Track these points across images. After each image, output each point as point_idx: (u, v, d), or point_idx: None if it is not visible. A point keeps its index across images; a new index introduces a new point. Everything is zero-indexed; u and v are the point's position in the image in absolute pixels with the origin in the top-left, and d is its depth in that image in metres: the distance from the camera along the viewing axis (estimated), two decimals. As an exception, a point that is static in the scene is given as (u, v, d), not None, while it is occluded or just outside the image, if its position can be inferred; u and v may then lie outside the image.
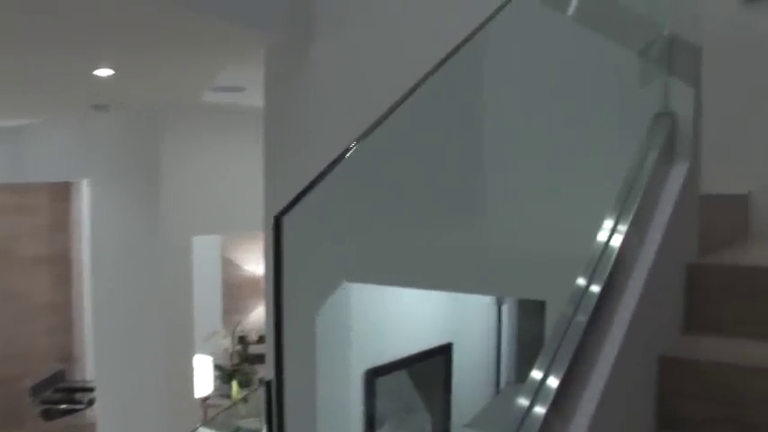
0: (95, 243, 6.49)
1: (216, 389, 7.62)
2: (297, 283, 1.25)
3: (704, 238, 2.18)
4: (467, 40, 1.54)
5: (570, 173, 2.21)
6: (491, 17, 1.63)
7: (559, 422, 1.37)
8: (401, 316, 3.81)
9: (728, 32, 2.89)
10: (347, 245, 1.63)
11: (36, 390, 7.71)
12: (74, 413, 7.70)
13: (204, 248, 6.65)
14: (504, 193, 2.35)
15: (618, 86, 2.24)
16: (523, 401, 1.37)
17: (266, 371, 5.12)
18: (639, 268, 1.75)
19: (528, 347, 4.46)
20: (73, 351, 8.66)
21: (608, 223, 1.75)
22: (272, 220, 1.12)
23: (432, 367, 4.00)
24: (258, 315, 8.43)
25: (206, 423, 6.65)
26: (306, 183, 1.20)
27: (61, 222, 8.60)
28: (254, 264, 8.48)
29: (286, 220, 1.13)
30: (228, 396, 7.68)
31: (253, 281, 8.57)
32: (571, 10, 2.16)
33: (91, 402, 7.43)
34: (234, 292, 8.59)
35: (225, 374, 7.75)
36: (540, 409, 1.34)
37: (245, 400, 7.10)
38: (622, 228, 1.73)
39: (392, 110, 1.36)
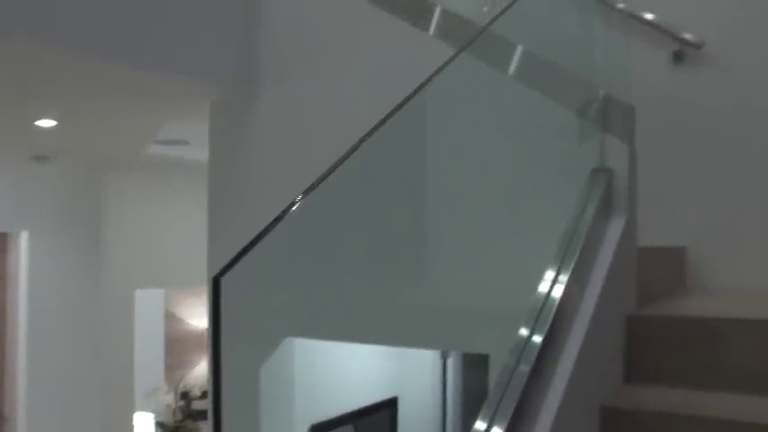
0: (33, 297, 6.29)
1: (157, 447, 7.43)
2: (239, 338, 1.24)
3: (643, 289, 2.23)
4: (409, 98, 1.57)
5: (512, 227, 2.25)
6: (433, 75, 1.67)
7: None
8: (346, 370, 3.79)
9: (662, 92, 3.02)
10: (291, 300, 1.63)
11: (-38, 454, 7.35)
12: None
13: (147, 302, 6.52)
14: (447, 247, 2.37)
15: (558, 144, 2.31)
16: (468, 454, 1.37)
17: (209, 428, 5.00)
18: (581, 319, 1.78)
19: (473, 399, 4.46)
20: (3, 411, 8.31)
21: (549, 275, 1.78)
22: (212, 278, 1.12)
23: (377, 421, 3.97)
24: (202, 370, 8.25)
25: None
26: (249, 238, 1.20)
27: (-3, 276, 8.33)
28: (198, 318, 8.34)
29: (226, 278, 1.13)
30: (171, 455, 7.49)
31: (196, 335, 8.40)
32: (512, 69, 2.22)
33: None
34: (177, 346, 8.39)
35: (167, 432, 7.56)
36: (484, 462, 1.34)
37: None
38: (563, 278, 1.76)
39: (335, 166, 1.38)
